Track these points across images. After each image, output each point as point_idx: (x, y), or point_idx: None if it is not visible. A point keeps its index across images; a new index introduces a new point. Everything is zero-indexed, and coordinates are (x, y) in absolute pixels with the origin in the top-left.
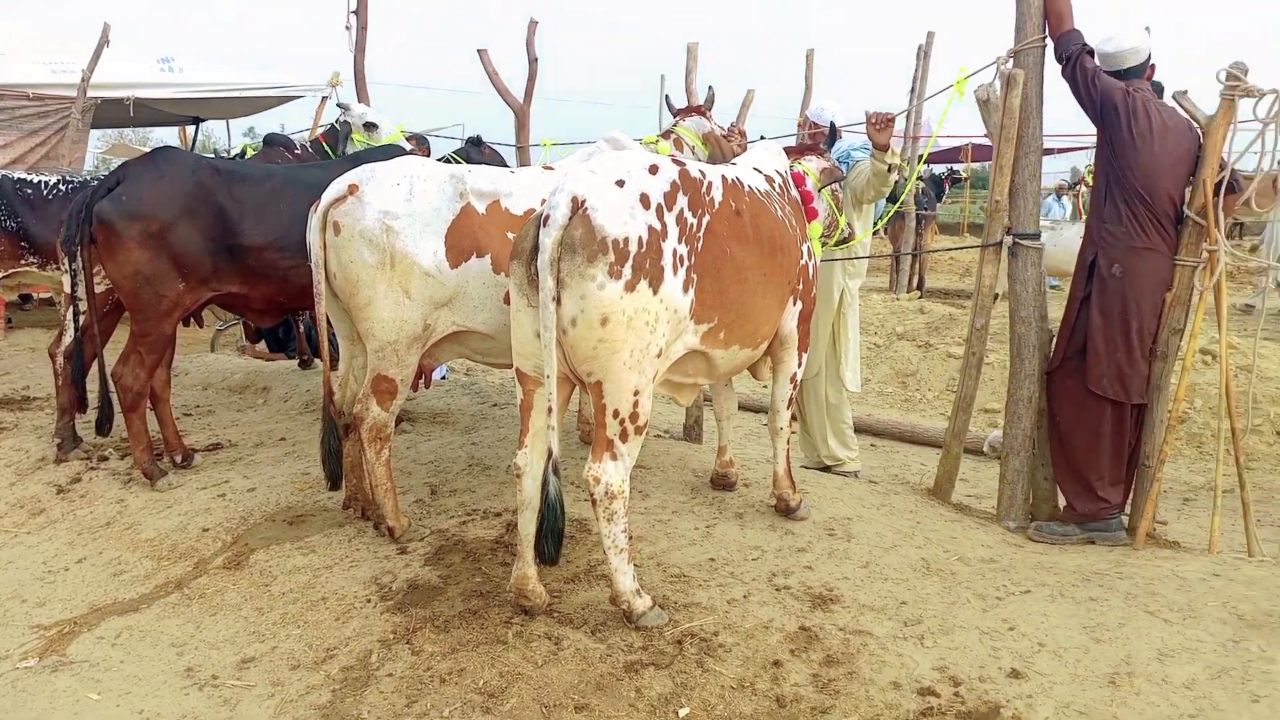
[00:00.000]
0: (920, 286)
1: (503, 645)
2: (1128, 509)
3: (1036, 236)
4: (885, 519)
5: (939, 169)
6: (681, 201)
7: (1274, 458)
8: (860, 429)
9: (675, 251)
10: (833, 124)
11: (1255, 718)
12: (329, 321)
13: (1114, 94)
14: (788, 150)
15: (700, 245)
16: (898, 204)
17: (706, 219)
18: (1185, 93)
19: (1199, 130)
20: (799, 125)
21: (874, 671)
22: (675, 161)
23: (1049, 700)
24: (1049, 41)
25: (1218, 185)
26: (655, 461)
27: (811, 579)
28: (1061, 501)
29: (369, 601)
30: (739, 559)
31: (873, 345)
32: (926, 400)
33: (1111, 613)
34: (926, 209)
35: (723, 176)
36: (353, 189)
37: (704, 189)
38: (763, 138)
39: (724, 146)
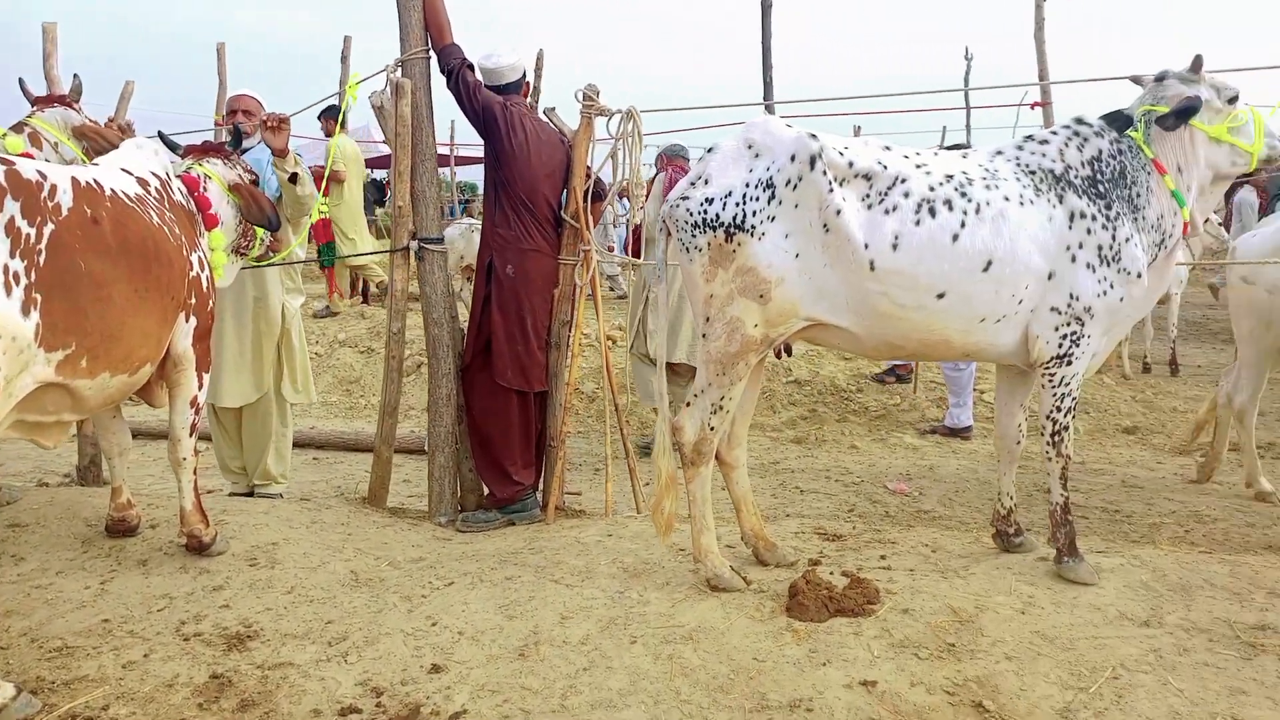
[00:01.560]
0: (365, 294)
1: None
2: (543, 488)
3: (440, 240)
4: (315, 537)
5: (380, 174)
6: (11, 208)
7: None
8: (302, 443)
9: (7, 268)
10: (237, 127)
11: (633, 656)
12: None
13: (494, 107)
14: (188, 150)
15: (43, 259)
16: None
17: (50, 228)
18: (554, 109)
19: (568, 143)
20: (216, 123)
21: (293, 704)
22: (1, 160)
23: (465, 687)
24: (433, 54)
25: (586, 192)
26: (35, 516)
27: (228, 618)
28: (486, 490)
29: None
30: (141, 614)
31: (314, 355)
32: (373, 406)
33: (524, 588)
34: (368, 214)
35: (74, 179)
36: None
37: (44, 193)
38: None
39: (106, 140)
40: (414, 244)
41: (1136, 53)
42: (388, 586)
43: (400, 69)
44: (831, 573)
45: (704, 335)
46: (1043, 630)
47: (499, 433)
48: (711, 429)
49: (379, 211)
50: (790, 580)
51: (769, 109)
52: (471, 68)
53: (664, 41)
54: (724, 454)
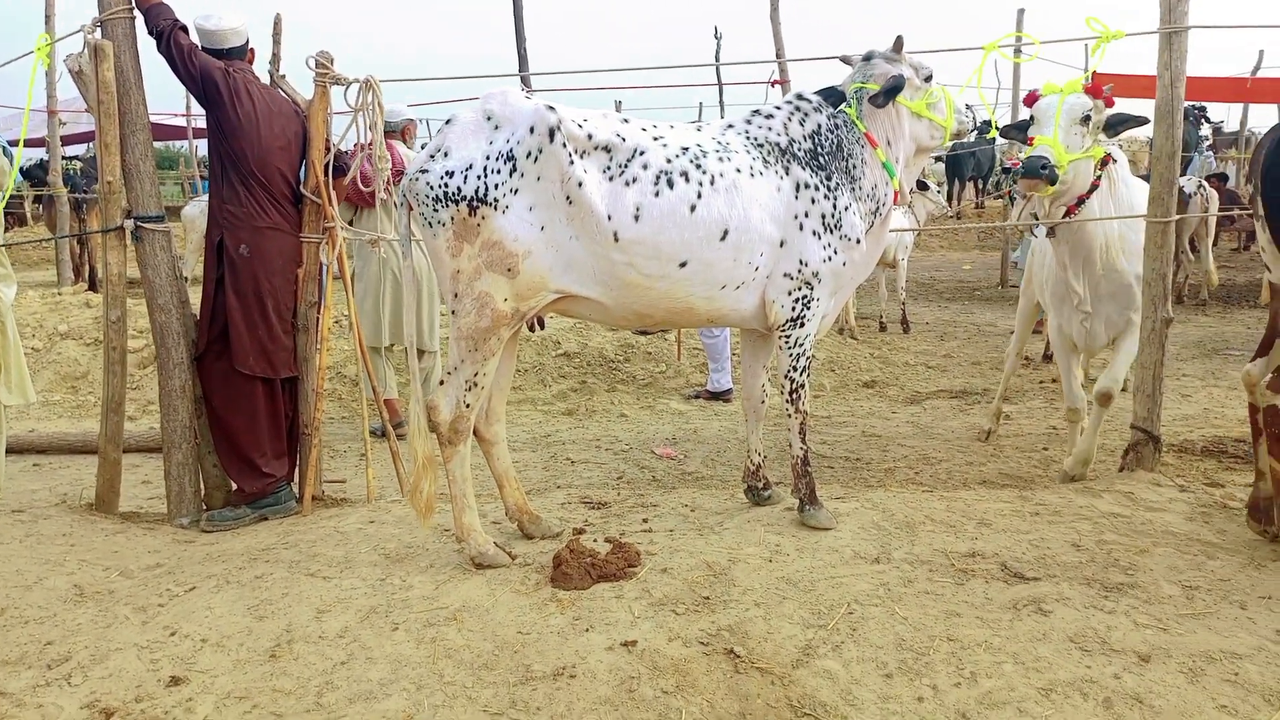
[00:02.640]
0: (92, 280)
1: None
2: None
3: (161, 219)
4: (30, 551)
5: (76, 149)
6: None
7: None
8: (21, 449)
9: None
10: None
11: (395, 644)
12: None
13: (214, 73)
14: None
15: None
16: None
17: None
18: (284, 76)
19: (303, 114)
20: None
21: None
22: None
23: (210, 697)
24: (139, 14)
25: (327, 166)
26: None
27: None
28: (234, 486)
29: None
30: None
31: (32, 350)
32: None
33: (276, 586)
34: (86, 191)
35: None
36: None
37: None
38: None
39: None
40: (129, 223)
41: (866, 30)
42: (118, 598)
43: (100, 29)
44: (595, 540)
45: (453, 312)
46: (788, 575)
47: (244, 423)
48: (467, 406)
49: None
50: (555, 551)
51: (524, 82)
52: (184, 29)
53: (417, 12)
54: (482, 430)
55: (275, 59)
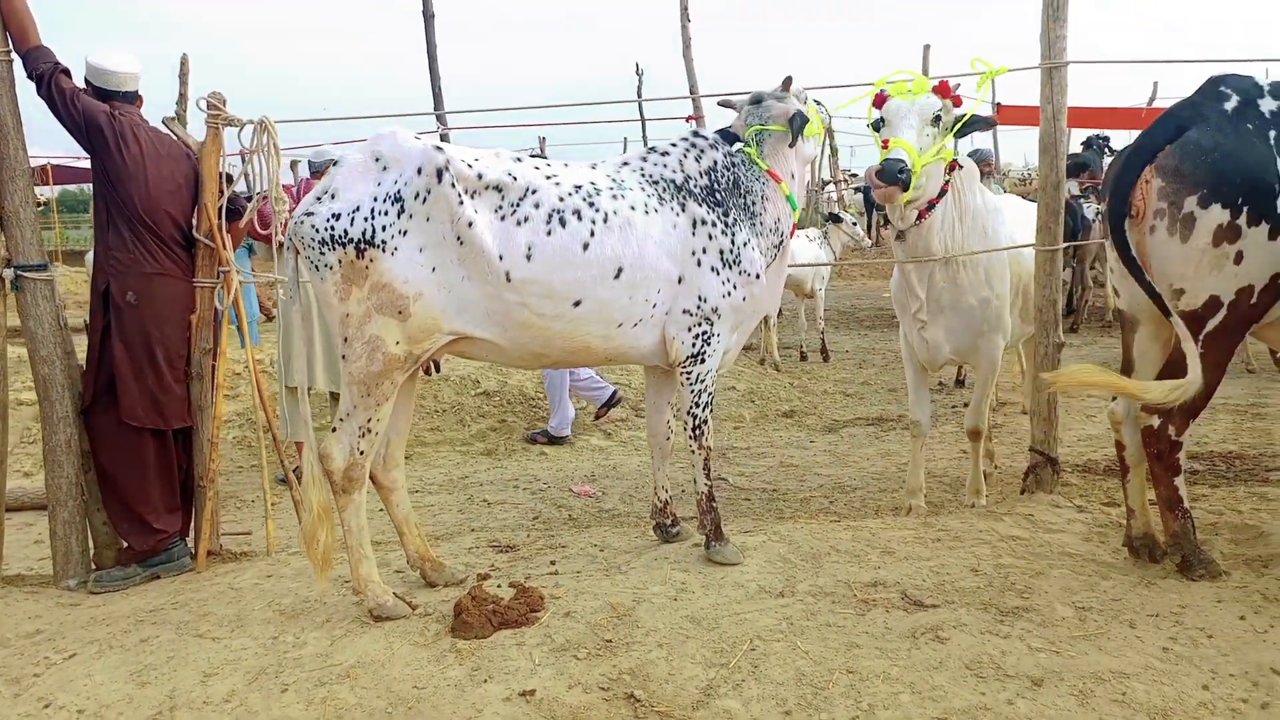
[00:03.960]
0: None
1: None
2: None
3: (43, 267)
4: None
5: None
6: None
7: None
8: None
9: None
10: None
11: (283, 706)
12: None
13: (98, 116)
14: None
15: None
16: None
17: None
18: (174, 119)
19: (195, 156)
20: None
21: None
22: None
23: None
24: (17, 58)
25: (221, 209)
26: None
27: None
28: (124, 544)
29: None
30: None
31: None
32: None
33: (161, 649)
34: None
35: None
36: None
37: None
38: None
39: None
40: (9, 272)
41: (774, 63)
42: None
43: None
44: (500, 585)
45: (344, 356)
46: (692, 614)
47: (133, 478)
48: (361, 453)
49: None
50: (457, 599)
51: (440, 119)
52: (67, 73)
53: (336, 49)
54: (380, 477)
55: (182, 99)
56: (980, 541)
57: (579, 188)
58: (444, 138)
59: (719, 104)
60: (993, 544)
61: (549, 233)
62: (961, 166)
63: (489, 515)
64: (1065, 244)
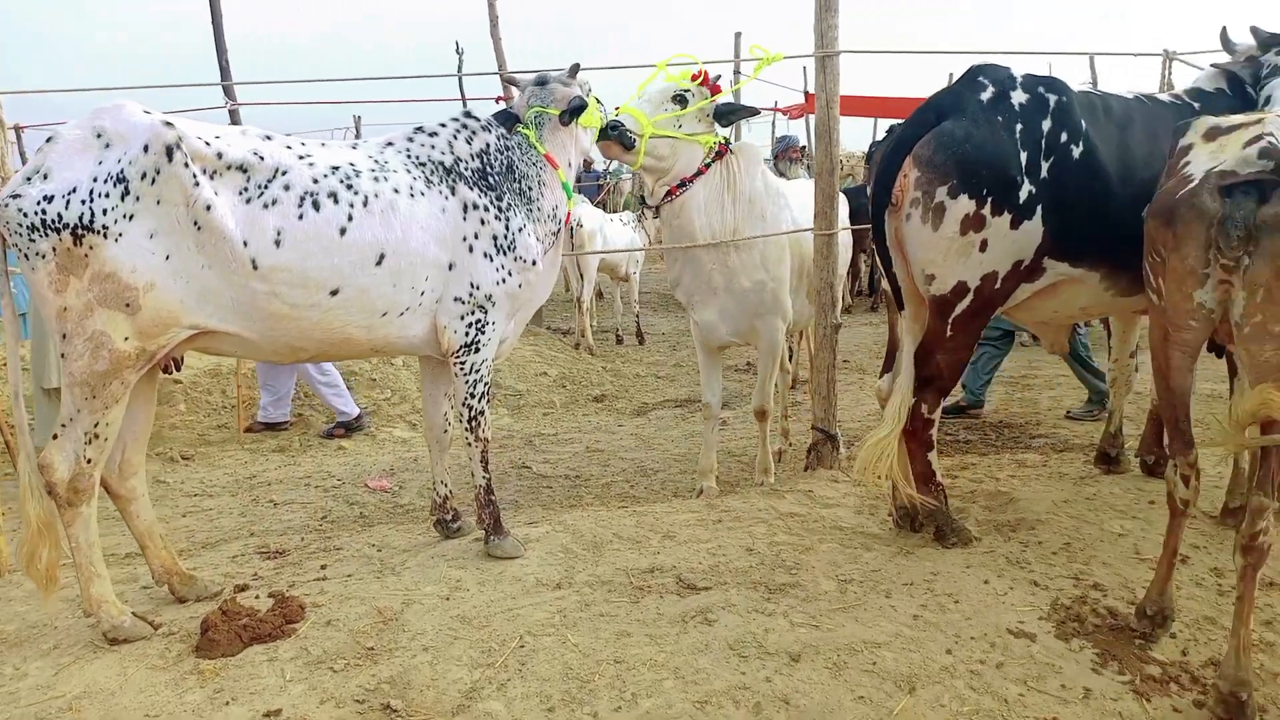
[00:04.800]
0: None
1: None
2: None
3: None
4: None
5: None
6: None
7: None
8: None
9: None
10: None
11: None
12: None
13: None
14: None
15: None
16: None
17: None
18: None
19: None
20: None
21: None
22: None
23: None
24: None
25: None
26: None
27: None
28: None
29: None
30: None
31: None
32: None
33: None
34: None
35: None
36: None
37: None
38: None
39: None
40: None
41: (584, 50)
42: None
43: None
44: (258, 596)
45: (64, 355)
46: (463, 613)
47: None
48: (89, 461)
49: None
50: (206, 615)
51: (227, 93)
52: None
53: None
54: (116, 486)
55: None
56: (759, 520)
57: (336, 168)
58: (234, 117)
59: (502, 79)
60: (769, 522)
61: (301, 216)
62: (732, 151)
63: (273, 517)
64: (841, 229)
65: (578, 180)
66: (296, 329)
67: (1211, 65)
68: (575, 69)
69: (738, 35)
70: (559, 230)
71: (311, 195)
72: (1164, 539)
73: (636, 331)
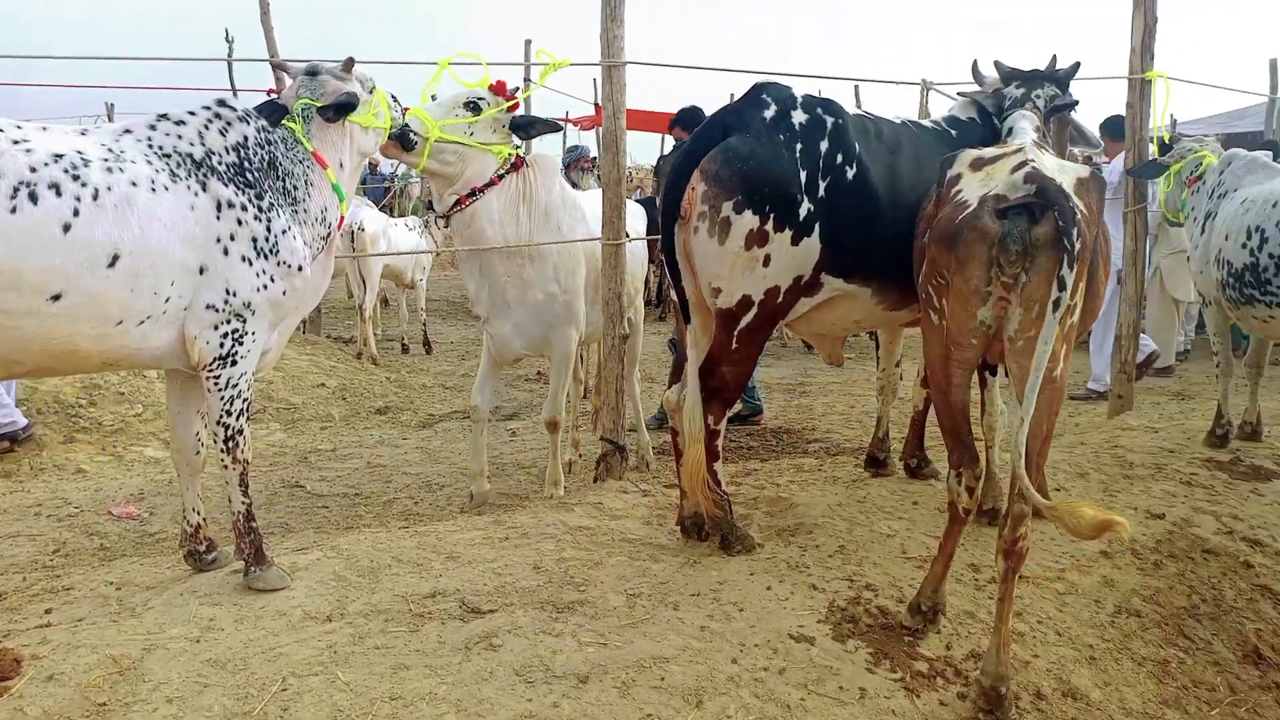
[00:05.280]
0: None
1: None
2: None
3: None
4: None
5: None
6: None
7: None
8: None
9: None
10: None
11: None
12: None
13: None
14: None
15: None
16: None
17: None
18: None
19: None
20: None
21: None
22: None
23: None
24: None
25: None
26: None
27: None
28: None
29: None
30: None
31: None
32: None
33: None
34: None
35: None
36: None
37: None
38: None
39: None
40: None
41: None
42: None
43: None
44: None
45: None
46: (216, 656)
47: None
48: None
49: None
50: None
51: None
52: None
53: None
54: None
55: None
56: (547, 536)
57: (59, 156)
58: None
59: (273, 66)
60: (558, 538)
61: (14, 210)
62: (527, 164)
63: None
64: (635, 239)
65: (363, 182)
66: (10, 341)
67: (960, 94)
68: (350, 63)
69: (528, 42)
70: (329, 235)
71: (28, 186)
72: (941, 542)
73: (424, 340)
